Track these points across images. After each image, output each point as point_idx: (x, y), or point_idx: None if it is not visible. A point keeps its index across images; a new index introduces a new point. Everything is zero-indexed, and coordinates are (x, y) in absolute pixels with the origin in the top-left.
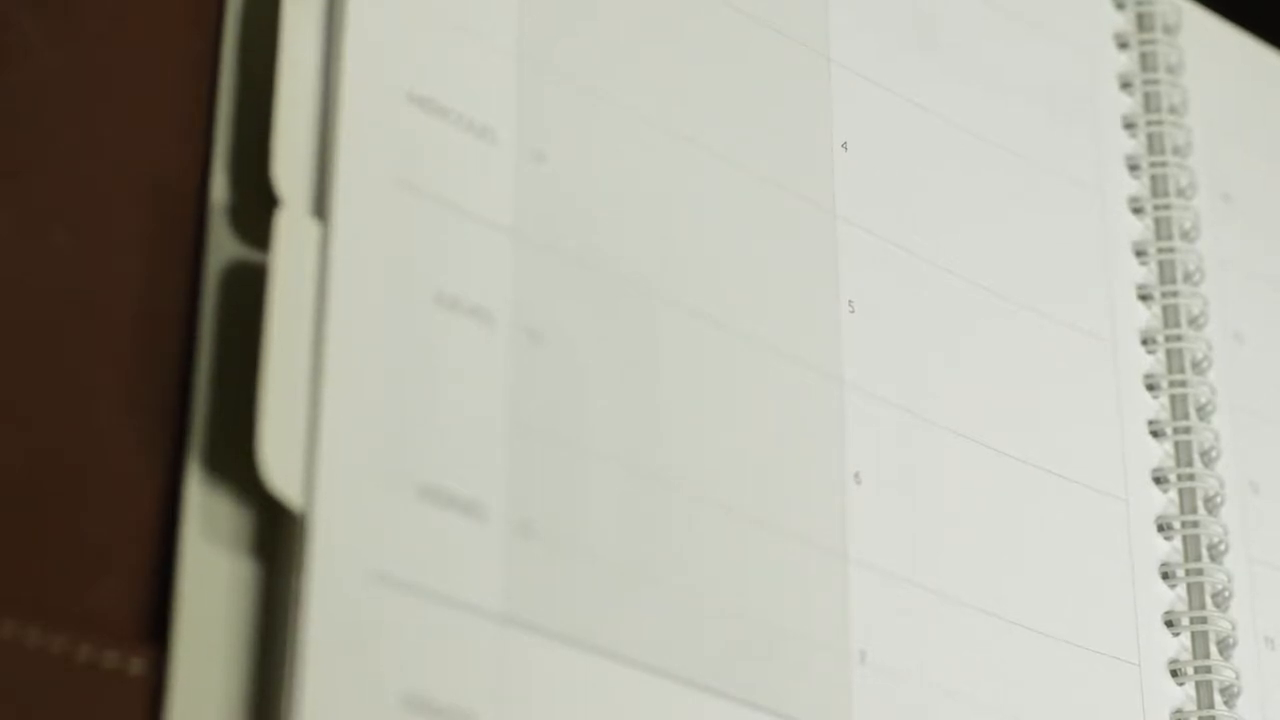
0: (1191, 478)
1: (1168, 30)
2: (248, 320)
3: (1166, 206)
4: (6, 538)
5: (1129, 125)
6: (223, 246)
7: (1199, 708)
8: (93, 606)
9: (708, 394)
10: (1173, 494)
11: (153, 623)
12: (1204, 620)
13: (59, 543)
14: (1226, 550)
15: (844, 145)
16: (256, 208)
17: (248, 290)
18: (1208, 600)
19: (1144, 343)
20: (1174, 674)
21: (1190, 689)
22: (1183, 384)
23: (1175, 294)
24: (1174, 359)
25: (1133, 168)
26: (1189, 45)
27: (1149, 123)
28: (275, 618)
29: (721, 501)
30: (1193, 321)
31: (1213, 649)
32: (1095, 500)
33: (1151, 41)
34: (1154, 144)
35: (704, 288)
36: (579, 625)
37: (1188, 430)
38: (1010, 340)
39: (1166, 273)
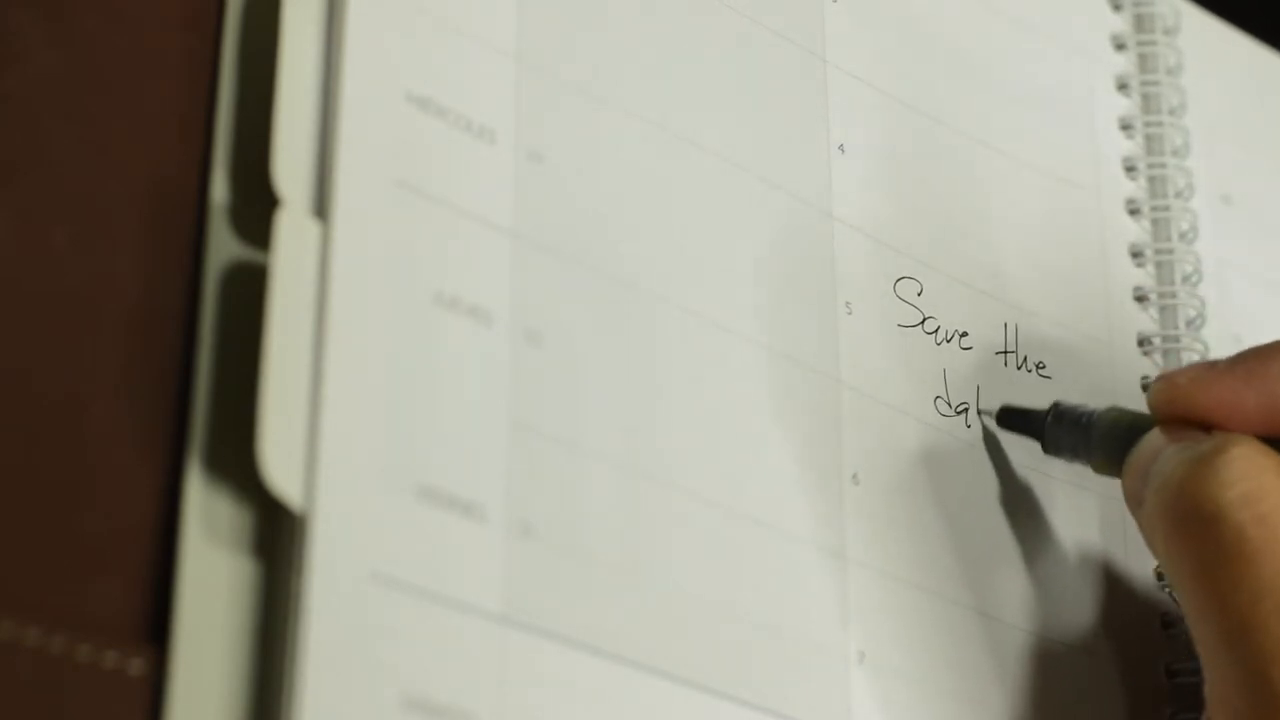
0: None
1: (1167, 32)
2: (248, 320)
3: (1165, 208)
4: (6, 538)
5: (1126, 126)
6: (223, 246)
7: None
8: (93, 606)
9: (706, 394)
10: None
11: (153, 623)
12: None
13: (58, 543)
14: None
15: (840, 147)
16: (256, 208)
17: (248, 290)
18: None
19: (1140, 344)
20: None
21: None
22: None
23: (1173, 296)
24: (1172, 362)
25: (1130, 169)
26: (1188, 47)
27: (1147, 124)
28: (275, 618)
29: (720, 502)
30: (1190, 324)
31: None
32: (1091, 504)
33: (1150, 43)
34: (1152, 145)
35: (701, 288)
36: (578, 625)
37: None
38: (1008, 343)
39: (1164, 275)
